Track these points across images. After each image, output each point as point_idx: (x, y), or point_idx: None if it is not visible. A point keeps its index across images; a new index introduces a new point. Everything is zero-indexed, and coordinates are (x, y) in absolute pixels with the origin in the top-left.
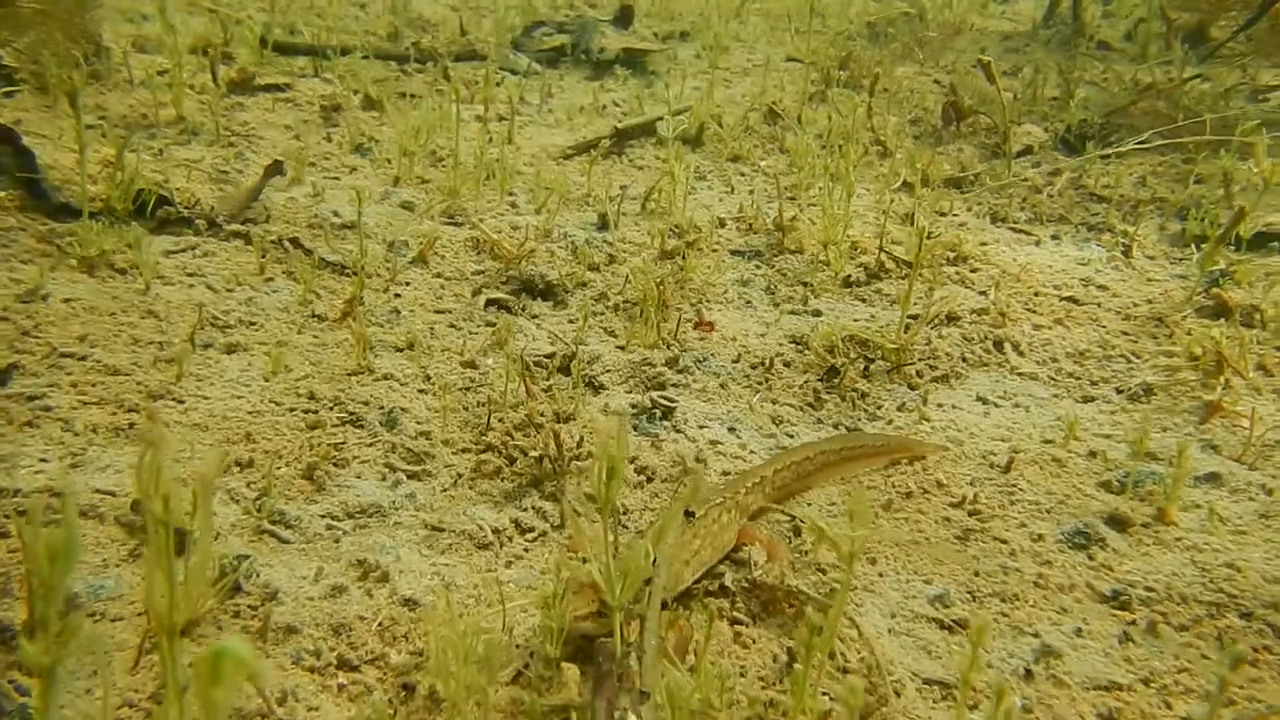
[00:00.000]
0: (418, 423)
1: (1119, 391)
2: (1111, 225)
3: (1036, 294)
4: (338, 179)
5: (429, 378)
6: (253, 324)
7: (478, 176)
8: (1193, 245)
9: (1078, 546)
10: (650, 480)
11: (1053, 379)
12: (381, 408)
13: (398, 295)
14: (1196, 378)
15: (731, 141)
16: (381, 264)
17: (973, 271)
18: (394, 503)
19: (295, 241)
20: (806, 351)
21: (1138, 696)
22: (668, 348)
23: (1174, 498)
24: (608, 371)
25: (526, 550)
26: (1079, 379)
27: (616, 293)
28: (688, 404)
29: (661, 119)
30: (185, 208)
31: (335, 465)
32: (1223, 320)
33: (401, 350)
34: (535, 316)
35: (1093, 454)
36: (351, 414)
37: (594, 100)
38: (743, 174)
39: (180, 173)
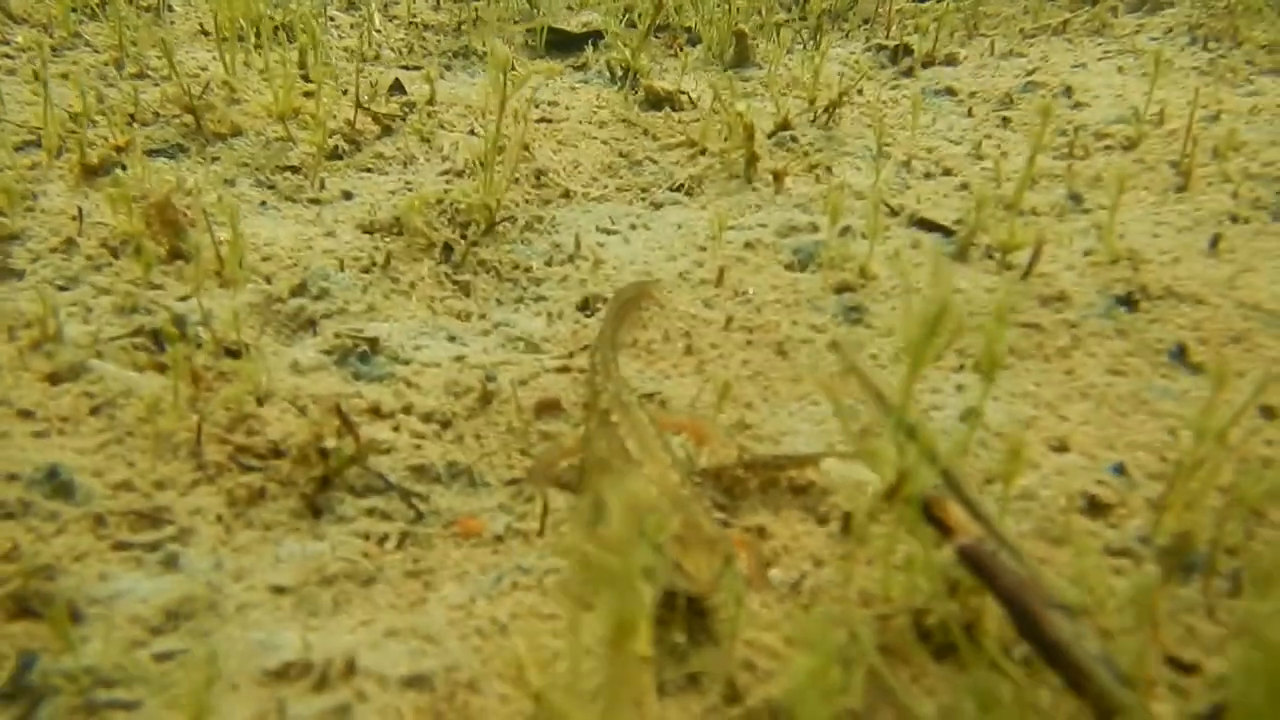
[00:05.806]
0: (96, 475)
1: (674, 190)
2: (476, 51)
3: (516, 122)
4: None
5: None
6: None
7: None
8: (545, 58)
9: (855, 321)
10: (448, 425)
11: (616, 195)
12: (15, 476)
13: None
14: (720, 162)
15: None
16: None
17: (443, 115)
18: (209, 582)
19: None
20: (392, 238)
21: (1044, 419)
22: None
23: (872, 255)
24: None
25: (416, 562)
26: (629, 189)
27: (90, 243)
28: (377, 329)
29: None
30: None
31: (46, 580)
32: (666, 108)
33: None
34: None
35: (748, 245)
36: None
37: None
38: (53, 61)
39: None
